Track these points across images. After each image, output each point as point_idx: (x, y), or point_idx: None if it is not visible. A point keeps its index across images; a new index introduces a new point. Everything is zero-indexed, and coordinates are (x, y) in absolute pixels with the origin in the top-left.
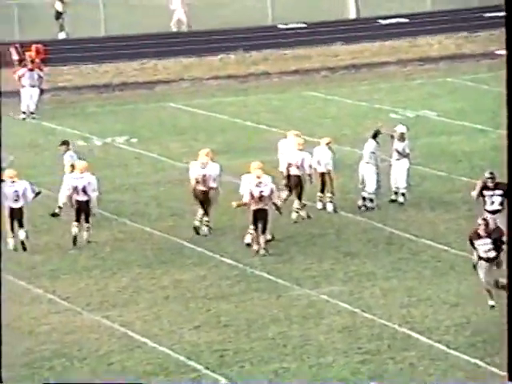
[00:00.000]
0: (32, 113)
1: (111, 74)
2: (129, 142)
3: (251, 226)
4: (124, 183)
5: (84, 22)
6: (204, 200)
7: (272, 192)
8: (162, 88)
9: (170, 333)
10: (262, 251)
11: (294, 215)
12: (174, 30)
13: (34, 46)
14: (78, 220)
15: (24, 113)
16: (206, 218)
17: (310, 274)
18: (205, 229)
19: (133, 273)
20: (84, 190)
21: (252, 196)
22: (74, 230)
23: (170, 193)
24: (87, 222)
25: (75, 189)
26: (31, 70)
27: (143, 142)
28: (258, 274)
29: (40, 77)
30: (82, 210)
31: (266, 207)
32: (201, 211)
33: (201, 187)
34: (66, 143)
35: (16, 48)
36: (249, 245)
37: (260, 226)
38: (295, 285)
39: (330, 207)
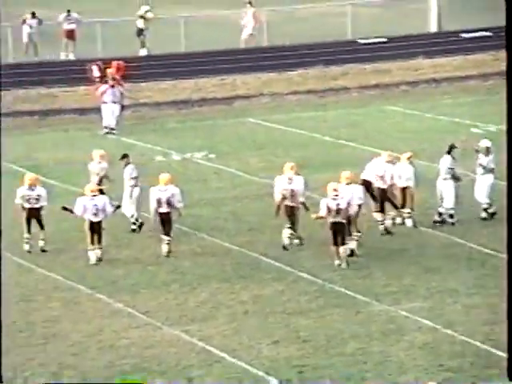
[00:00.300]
0: (112, 128)
1: (191, 90)
2: (207, 157)
3: (332, 243)
4: (202, 198)
5: (165, 39)
6: (292, 215)
7: (349, 205)
8: (241, 103)
9: (248, 348)
10: (343, 264)
11: (387, 223)
12: (243, 45)
13: (114, 63)
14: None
15: (106, 128)
16: (291, 232)
17: (390, 290)
18: (296, 241)
19: (212, 287)
20: (168, 203)
21: (329, 209)
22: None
23: (248, 208)
24: (168, 235)
25: (159, 201)
26: (112, 86)
27: (222, 157)
28: (337, 290)
29: (121, 93)
30: (166, 222)
31: (344, 220)
32: (288, 227)
33: (289, 203)
34: (126, 156)
35: (98, 65)
36: (339, 266)
37: (339, 238)
38: (375, 300)
39: (409, 222)
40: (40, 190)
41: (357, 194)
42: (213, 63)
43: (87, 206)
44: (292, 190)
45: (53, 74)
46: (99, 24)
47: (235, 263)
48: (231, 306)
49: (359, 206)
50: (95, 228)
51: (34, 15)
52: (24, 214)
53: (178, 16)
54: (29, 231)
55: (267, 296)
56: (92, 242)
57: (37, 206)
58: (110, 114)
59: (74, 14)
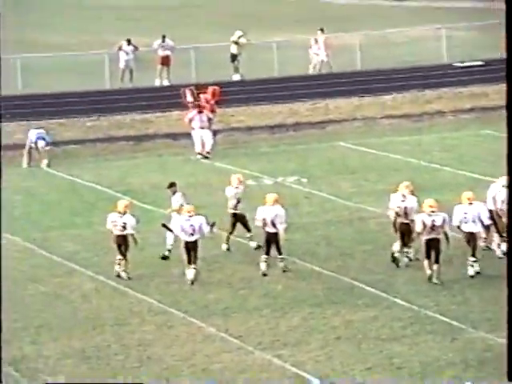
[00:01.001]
0: (208, 153)
1: (284, 115)
2: (299, 181)
3: (424, 257)
4: (294, 222)
5: (258, 64)
6: (405, 232)
7: (444, 221)
8: (334, 127)
9: (341, 373)
10: (435, 280)
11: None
12: (311, 71)
13: (210, 88)
14: (267, 253)
15: (199, 154)
16: (406, 249)
17: (487, 317)
18: (405, 260)
19: (303, 312)
20: (273, 223)
21: (424, 225)
22: (263, 265)
23: (340, 232)
24: (280, 253)
25: (264, 221)
26: (200, 112)
27: (313, 181)
28: (432, 316)
29: (209, 119)
30: (272, 241)
31: (439, 236)
32: (399, 243)
33: (402, 220)
34: (173, 185)
35: (191, 90)
36: (430, 278)
37: (433, 255)
38: (471, 327)
39: (503, 247)
40: (127, 218)
41: (483, 213)
42: (306, 88)
43: (184, 226)
44: (405, 208)
45: (147, 99)
46: (193, 50)
47: (327, 288)
48: (323, 331)
49: (487, 226)
50: (191, 247)
51: (129, 42)
52: (113, 240)
53: (270, 41)
54: (121, 254)
55: (360, 321)
56: (189, 262)
57: (123, 233)
58: (199, 139)
59: (169, 41)
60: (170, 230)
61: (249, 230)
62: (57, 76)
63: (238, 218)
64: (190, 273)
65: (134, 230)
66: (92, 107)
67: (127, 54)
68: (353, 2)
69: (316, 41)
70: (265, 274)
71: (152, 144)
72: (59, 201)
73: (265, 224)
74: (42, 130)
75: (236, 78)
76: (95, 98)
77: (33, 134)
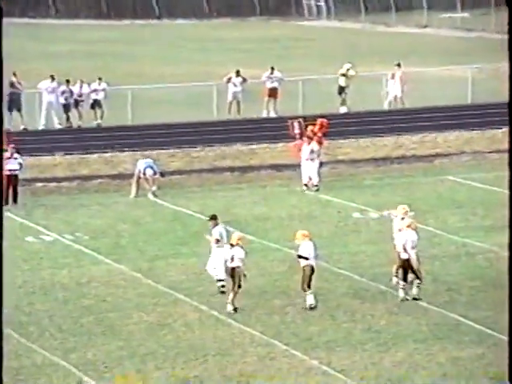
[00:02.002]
0: (316, 185)
1: (390, 148)
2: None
3: None
4: None
5: (366, 96)
6: None
7: None
8: (442, 161)
9: None
10: None
11: None
12: (386, 107)
13: (319, 121)
14: (404, 279)
15: (306, 185)
16: None
17: None
18: None
19: (408, 348)
20: (405, 248)
21: None
22: (401, 292)
23: (447, 267)
24: (418, 278)
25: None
26: (308, 143)
27: (420, 215)
28: None
29: (312, 151)
30: (406, 267)
31: None
32: None
33: None
34: (214, 218)
35: (299, 122)
36: None
37: None
38: None
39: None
40: (237, 251)
41: None
42: (413, 121)
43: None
44: None
45: (253, 130)
46: (301, 82)
47: (432, 324)
48: (428, 367)
49: None
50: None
51: (238, 73)
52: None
53: (379, 73)
54: (233, 285)
55: (466, 359)
56: (309, 287)
57: (232, 265)
58: (307, 171)
59: (277, 73)
60: (306, 259)
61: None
62: (165, 107)
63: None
64: (310, 298)
65: (242, 262)
66: (199, 138)
67: (235, 85)
68: (458, 34)
69: (393, 76)
70: (404, 300)
71: (256, 175)
72: (165, 230)
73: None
74: (150, 160)
75: (343, 110)
76: (202, 128)
77: (141, 164)
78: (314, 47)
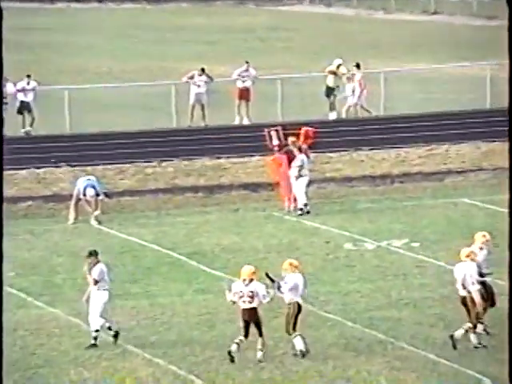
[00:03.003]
0: (301, 208)
1: (390, 163)
2: (409, 246)
3: None
4: (402, 297)
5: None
6: None
7: None
8: (454, 180)
9: None
10: None
11: None
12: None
13: (303, 130)
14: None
15: (301, 209)
16: None
17: None
18: None
19: None
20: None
21: None
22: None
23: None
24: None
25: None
26: (294, 156)
27: (428, 246)
28: None
29: (302, 166)
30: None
31: None
32: None
33: None
34: (93, 254)
35: (277, 131)
36: None
37: None
38: None
39: None
40: (256, 286)
41: None
42: (420, 129)
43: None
44: None
45: (222, 141)
46: (280, 81)
47: (444, 381)
48: None
49: None
50: (249, 316)
51: (202, 71)
52: (240, 315)
53: (377, 71)
54: (245, 335)
55: None
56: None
57: (252, 305)
58: (290, 190)
59: (252, 70)
60: (273, 281)
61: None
62: (112, 112)
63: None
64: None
65: (267, 298)
66: (154, 150)
67: (199, 85)
68: (474, 22)
69: (350, 79)
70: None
71: (226, 196)
72: (111, 265)
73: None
74: (92, 177)
75: (332, 116)
76: (158, 139)
77: (81, 183)
78: (296, 39)
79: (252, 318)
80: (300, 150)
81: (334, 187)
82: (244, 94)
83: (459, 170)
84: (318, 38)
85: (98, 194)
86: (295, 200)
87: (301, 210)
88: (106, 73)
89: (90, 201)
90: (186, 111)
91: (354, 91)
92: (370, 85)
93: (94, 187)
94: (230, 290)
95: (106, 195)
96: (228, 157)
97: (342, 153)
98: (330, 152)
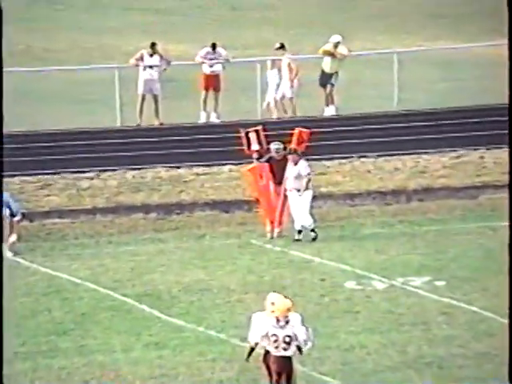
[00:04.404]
0: (312, 230)
1: (406, 174)
2: (431, 285)
3: None
4: (423, 355)
5: (365, 91)
6: None
7: None
8: (491, 196)
9: None
10: None
11: None
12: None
13: (296, 131)
14: None
15: (299, 232)
16: None
17: None
18: None
19: None
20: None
21: None
22: None
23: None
24: None
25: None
26: (294, 163)
27: (456, 286)
28: None
29: (300, 175)
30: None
31: None
32: None
33: None
34: None
35: (257, 133)
36: None
37: None
38: None
39: None
40: (294, 327)
41: None
42: (443, 129)
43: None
44: None
45: (182, 146)
46: (259, 66)
47: None
48: None
49: None
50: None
51: (153, 50)
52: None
53: (388, 52)
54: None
55: None
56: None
57: (287, 353)
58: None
59: (221, 50)
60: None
61: None
62: (33, 106)
63: None
64: None
65: (309, 344)
66: (91, 157)
67: (150, 70)
68: None
69: (274, 64)
70: None
71: (188, 218)
72: (34, 311)
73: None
74: (6, 194)
75: (329, 112)
76: (96, 141)
77: None
78: (279, 9)
79: (286, 368)
80: (298, 155)
81: (332, 206)
82: (211, 83)
83: (498, 183)
84: (307, 7)
85: (13, 215)
86: (280, 223)
87: (312, 231)
88: (23, 52)
89: (4, 224)
90: (133, 104)
91: (280, 80)
92: (378, 69)
93: (8, 206)
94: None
95: (25, 217)
96: (190, 166)
97: (343, 161)
98: (327, 160)
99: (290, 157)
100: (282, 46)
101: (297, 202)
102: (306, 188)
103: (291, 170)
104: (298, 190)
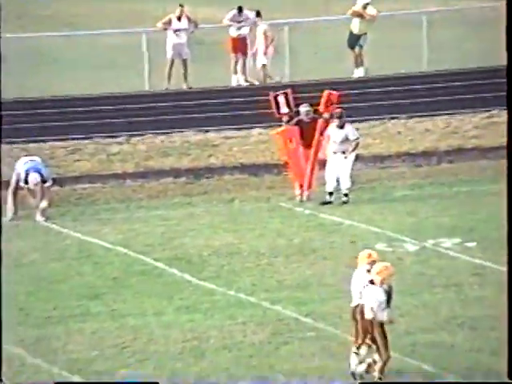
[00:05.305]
0: (346, 194)
1: (437, 135)
2: (463, 246)
3: None
4: (455, 316)
5: (391, 53)
6: None
7: None
8: None
9: None
10: None
11: None
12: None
13: (325, 93)
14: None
15: (331, 194)
16: None
17: None
18: None
19: None
20: None
21: None
22: None
23: None
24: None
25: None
26: (337, 125)
27: (488, 247)
28: None
29: (346, 138)
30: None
31: None
32: None
33: None
34: None
35: (286, 96)
36: None
37: None
38: None
39: None
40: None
41: None
42: (475, 89)
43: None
44: None
45: (211, 109)
46: (287, 28)
47: None
48: None
49: None
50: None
51: (181, 12)
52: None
53: (414, 12)
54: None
55: None
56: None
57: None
58: (329, 172)
59: (249, 13)
60: None
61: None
62: (61, 71)
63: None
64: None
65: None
66: (120, 122)
67: (178, 34)
68: None
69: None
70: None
71: (217, 182)
72: (65, 275)
73: None
74: (36, 159)
75: (358, 73)
76: (125, 106)
77: (21, 166)
78: None
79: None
80: (326, 118)
81: (362, 169)
82: (240, 46)
83: None
84: None
85: (44, 181)
86: (310, 186)
87: (345, 195)
88: (50, 17)
89: (34, 189)
90: (161, 69)
91: (257, 49)
92: (407, 30)
93: (38, 171)
94: None
95: (55, 182)
96: (219, 130)
97: (372, 122)
98: (356, 122)
99: (334, 120)
100: (258, 13)
101: (340, 165)
102: (352, 151)
103: (337, 134)
104: (343, 153)
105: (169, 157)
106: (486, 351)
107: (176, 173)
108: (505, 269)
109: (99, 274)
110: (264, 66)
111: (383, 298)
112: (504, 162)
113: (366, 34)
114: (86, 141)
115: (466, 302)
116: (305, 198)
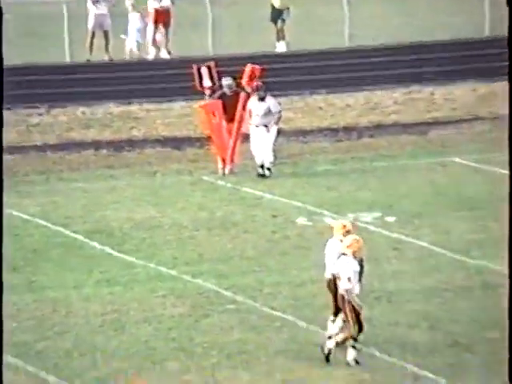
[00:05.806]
0: (268, 169)
1: (357, 110)
2: (382, 220)
3: None
4: (373, 289)
5: (316, 26)
6: None
7: None
8: (441, 133)
9: None
10: None
11: None
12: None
13: (248, 67)
14: None
15: (262, 167)
16: None
17: None
18: None
19: None
20: None
21: None
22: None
23: (451, 306)
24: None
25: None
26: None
27: (406, 221)
28: None
29: (269, 110)
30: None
31: None
32: None
33: None
34: None
35: (209, 68)
36: None
37: None
38: None
39: None
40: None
41: None
42: (395, 65)
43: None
44: None
45: (133, 81)
46: (208, 0)
47: None
48: None
49: None
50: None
51: None
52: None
53: None
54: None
55: None
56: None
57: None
58: (254, 146)
59: None
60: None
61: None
62: None
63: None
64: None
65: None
66: (40, 93)
67: (98, 5)
68: None
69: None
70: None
71: (139, 155)
72: None
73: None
74: None
75: (280, 48)
76: (45, 77)
77: None
78: None
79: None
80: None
81: (283, 143)
82: (161, 17)
83: (448, 119)
84: None
85: None
86: (232, 160)
87: (268, 169)
88: None
89: None
90: (82, 40)
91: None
92: (329, 5)
93: None
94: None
95: None
96: (141, 102)
97: (294, 97)
98: (278, 96)
99: (255, 93)
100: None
101: (262, 138)
102: (275, 124)
103: (258, 107)
104: (265, 126)
105: (90, 129)
106: (403, 325)
107: (97, 145)
108: (424, 243)
109: (18, 246)
110: (165, 44)
111: (358, 269)
112: (423, 138)
113: (288, 8)
114: (6, 111)
115: (384, 276)
116: (227, 172)
